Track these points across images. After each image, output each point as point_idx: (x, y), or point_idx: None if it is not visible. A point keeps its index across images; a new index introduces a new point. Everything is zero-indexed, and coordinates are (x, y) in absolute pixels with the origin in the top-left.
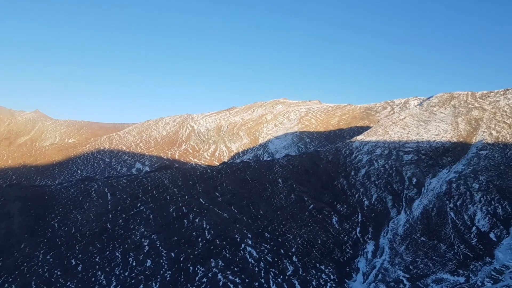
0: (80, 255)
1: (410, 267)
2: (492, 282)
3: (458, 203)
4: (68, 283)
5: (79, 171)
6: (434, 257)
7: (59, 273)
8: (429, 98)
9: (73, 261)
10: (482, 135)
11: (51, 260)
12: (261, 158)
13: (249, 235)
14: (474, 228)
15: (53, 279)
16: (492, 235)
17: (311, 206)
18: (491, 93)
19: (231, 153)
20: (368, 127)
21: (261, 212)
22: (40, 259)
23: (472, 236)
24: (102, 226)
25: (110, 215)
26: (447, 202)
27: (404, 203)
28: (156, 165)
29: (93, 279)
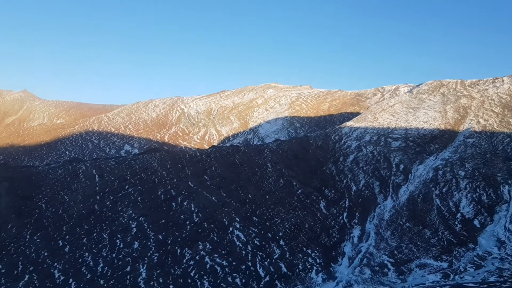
0: (67, 236)
1: (395, 252)
2: (474, 268)
3: (444, 190)
4: (55, 263)
5: (67, 152)
6: (418, 243)
7: (46, 253)
8: (418, 85)
9: (60, 242)
10: (470, 123)
11: (38, 240)
12: (251, 142)
13: (237, 219)
14: (458, 214)
15: (40, 260)
16: (476, 222)
17: (299, 191)
18: (480, 82)
19: (221, 136)
20: (358, 113)
21: (250, 196)
22: (27, 239)
23: (456, 222)
24: (90, 207)
25: (98, 197)
26: (433, 188)
27: (391, 189)
28: (145, 147)
29: (80, 260)
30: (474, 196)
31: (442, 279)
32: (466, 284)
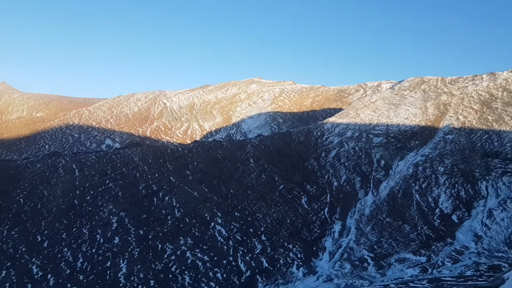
0: (46, 231)
1: (375, 246)
2: (452, 262)
3: (423, 185)
4: (33, 259)
5: (46, 146)
6: (398, 238)
7: (24, 249)
8: (400, 82)
9: (38, 237)
10: (450, 119)
11: (16, 236)
12: (234, 138)
13: (219, 214)
14: (437, 210)
15: (17, 255)
16: (454, 217)
17: (281, 186)
18: (460, 79)
19: (204, 131)
20: (341, 109)
21: (232, 191)
22: (4, 234)
23: (435, 217)
24: (69, 202)
25: (78, 192)
26: (413, 184)
27: (372, 185)
28: (126, 142)
29: (59, 255)
30: (452, 191)
31: (420, 273)
32: (444, 278)
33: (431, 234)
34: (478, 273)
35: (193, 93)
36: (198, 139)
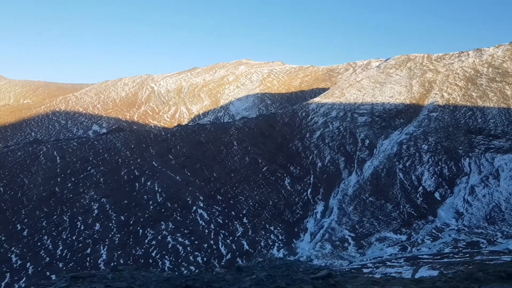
0: (26, 220)
1: (356, 226)
2: (431, 239)
3: (407, 164)
4: (13, 248)
5: (33, 133)
6: (380, 217)
7: (3, 238)
8: (386, 60)
9: (18, 225)
10: (434, 97)
11: None
12: (222, 120)
13: (201, 198)
14: (420, 188)
15: None
16: (437, 195)
17: (264, 168)
18: (446, 56)
19: (192, 115)
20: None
21: (215, 174)
22: None
23: (418, 195)
24: (50, 190)
25: (59, 179)
26: (397, 163)
27: (356, 165)
28: (114, 127)
29: (39, 243)
30: (436, 169)
31: (400, 252)
32: (421, 256)
33: (413, 212)
34: (456, 249)
35: (181, 76)
36: (186, 122)
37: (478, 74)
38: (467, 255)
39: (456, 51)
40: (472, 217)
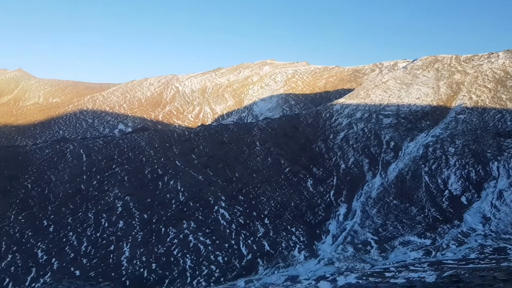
0: (52, 216)
1: (379, 229)
2: (457, 244)
3: (433, 167)
4: (39, 243)
5: (60, 132)
6: (404, 220)
7: (30, 233)
8: (413, 61)
9: (45, 221)
10: (462, 99)
11: (22, 220)
12: (246, 121)
13: (223, 198)
14: (446, 191)
15: (24, 240)
16: (463, 199)
17: (287, 169)
18: (475, 57)
19: (216, 115)
20: None
21: (237, 174)
22: (11, 219)
23: (444, 199)
24: (76, 187)
25: (85, 176)
26: (423, 165)
27: (380, 167)
28: (139, 126)
29: (64, 239)
30: (463, 172)
31: (424, 256)
32: (445, 261)
33: (438, 216)
34: (482, 255)
35: (205, 76)
36: (210, 122)
37: (509, 76)
38: (494, 261)
39: (486, 52)
40: (500, 223)
